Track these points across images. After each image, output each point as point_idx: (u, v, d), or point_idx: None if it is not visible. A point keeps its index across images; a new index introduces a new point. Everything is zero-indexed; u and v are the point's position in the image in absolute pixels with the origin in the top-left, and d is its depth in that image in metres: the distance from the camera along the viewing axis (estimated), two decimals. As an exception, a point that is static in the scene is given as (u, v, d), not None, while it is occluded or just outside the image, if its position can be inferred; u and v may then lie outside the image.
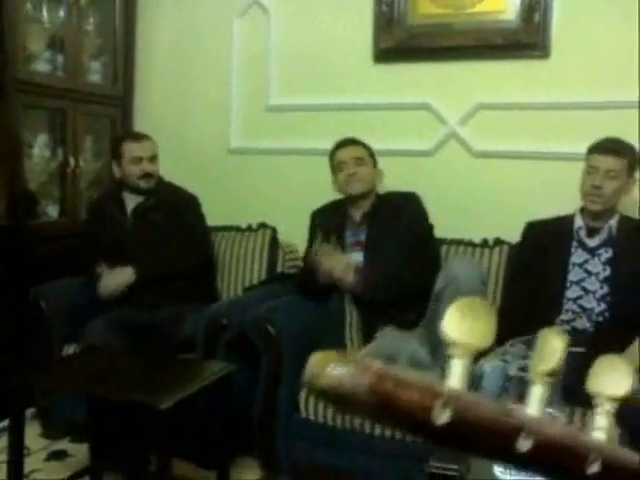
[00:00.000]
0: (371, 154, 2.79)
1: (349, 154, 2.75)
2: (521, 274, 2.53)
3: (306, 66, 3.23)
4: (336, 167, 2.77)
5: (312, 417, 2.46)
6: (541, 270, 2.45)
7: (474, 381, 2.09)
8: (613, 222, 2.46)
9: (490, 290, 2.68)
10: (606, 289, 2.39)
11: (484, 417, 0.42)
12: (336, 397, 0.41)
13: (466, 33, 2.95)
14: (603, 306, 2.38)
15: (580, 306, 2.40)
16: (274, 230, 3.17)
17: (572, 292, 2.41)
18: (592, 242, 2.45)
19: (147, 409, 1.95)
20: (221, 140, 3.41)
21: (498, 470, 1.56)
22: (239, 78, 3.36)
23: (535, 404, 0.45)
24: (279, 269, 3.11)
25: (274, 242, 3.16)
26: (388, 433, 2.35)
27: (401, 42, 3.04)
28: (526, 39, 2.86)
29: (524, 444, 0.41)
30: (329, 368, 0.41)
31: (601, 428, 0.46)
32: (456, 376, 0.44)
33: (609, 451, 0.44)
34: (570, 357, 0.50)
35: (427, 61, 3.03)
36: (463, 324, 0.44)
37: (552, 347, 0.46)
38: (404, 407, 0.40)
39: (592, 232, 2.46)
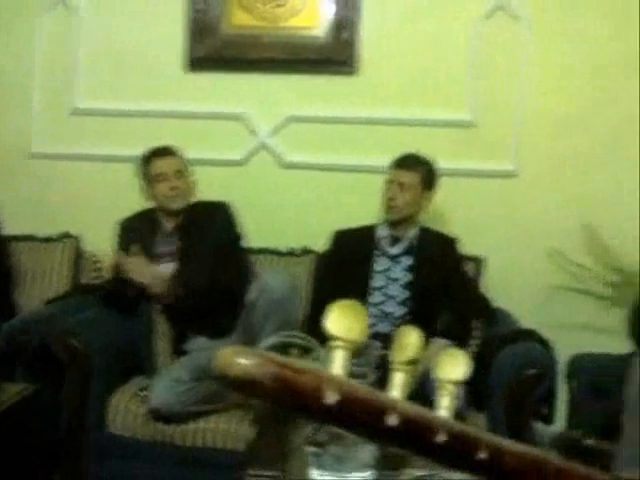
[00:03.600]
0: (187, 165, 2.76)
1: (170, 166, 2.68)
2: (328, 281, 2.63)
3: (116, 70, 3.13)
4: (153, 177, 2.69)
5: (121, 432, 2.38)
6: (346, 277, 2.56)
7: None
8: (413, 232, 2.64)
9: (299, 298, 2.76)
10: (407, 294, 2.56)
11: (361, 398, 0.50)
12: (245, 385, 0.48)
13: (279, 46, 3.02)
14: (404, 310, 2.54)
15: (382, 311, 2.55)
16: (77, 240, 3.03)
17: (374, 298, 2.56)
18: (394, 250, 2.61)
19: None
20: (22, 144, 3.20)
21: (315, 472, 1.60)
22: (43, 79, 3.18)
23: (398, 388, 0.54)
24: (83, 280, 2.98)
25: (78, 252, 3.02)
26: (200, 443, 2.34)
27: (214, 51, 3.04)
28: (335, 55, 2.99)
29: (392, 420, 0.49)
30: (238, 360, 0.47)
31: (445, 407, 0.55)
32: (339, 365, 0.51)
33: (454, 425, 0.53)
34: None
35: (240, 72, 3.06)
36: (342, 321, 0.53)
37: (409, 340, 0.55)
38: (302, 391, 0.48)
39: (394, 241, 2.62)
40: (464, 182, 2.97)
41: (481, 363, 2.47)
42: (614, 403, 1.95)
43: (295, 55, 3.01)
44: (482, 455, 0.54)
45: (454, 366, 0.57)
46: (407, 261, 2.60)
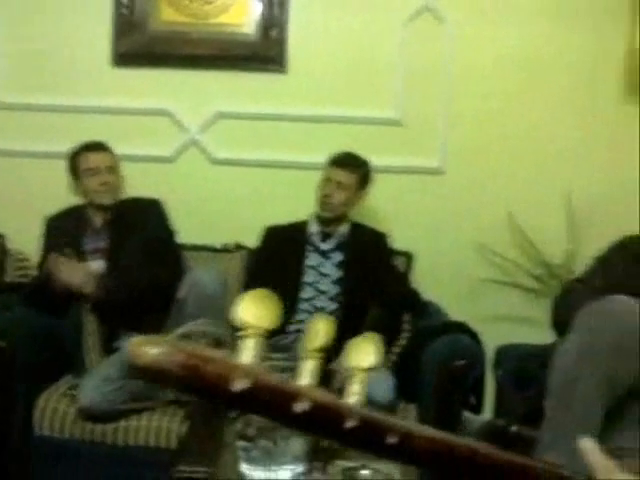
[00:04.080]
0: (117, 161, 2.72)
1: (103, 161, 2.65)
2: (259, 277, 2.64)
3: (42, 65, 3.05)
4: (84, 172, 2.64)
5: (50, 433, 2.33)
6: (278, 273, 2.58)
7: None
8: (345, 228, 2.67)
9: (231, 294, 2.75)
10: (338, 289, 2.59)
11: (272, 386, 0.51)
12: (154, 374, 0.48)
13: (208, 43, 3.00)
14: (335, 305, 2.57)
15: (314, 306, 2.57)
16: (2, 237, 2.95)
17: (306, 293, 2.58)
18: (325, 246, 2.64)
19: None
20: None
21: (245, 467, 1.61)
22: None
23: (308, 375, 0.55)
24: (8, 279, 2.90)
25: (3, 250, 2.93)
26: (132, 441, 2.32)
27: (142, 47, 3.00)
28: (264, 53, 2.99)
29: (300, 406, 0.51)
30: (147, 349, 0.47)
31: (356, 393, 0.57)
32: (249, 352, 0.52)
33: (363, 411, 0.54)
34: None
35: (169, 68, 3.03)
36: (253, 310, 0.53)
37: (318, 328, 0.57)
38: (209, 378, 0.49)
39: (325, 237, 2.65)
40: (393, 178, 3.01)
41: (411, 355, 2.53)
42: (538, 391, 2.02)
43: (224, 52, 3.00)
44: (392, 440, 0.55)
45: (364, 354, 0.58)
46: (338, 257, 2.63)
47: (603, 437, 1.84)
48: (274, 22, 2.97)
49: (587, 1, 3.03)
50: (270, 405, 0.52)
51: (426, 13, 3.01)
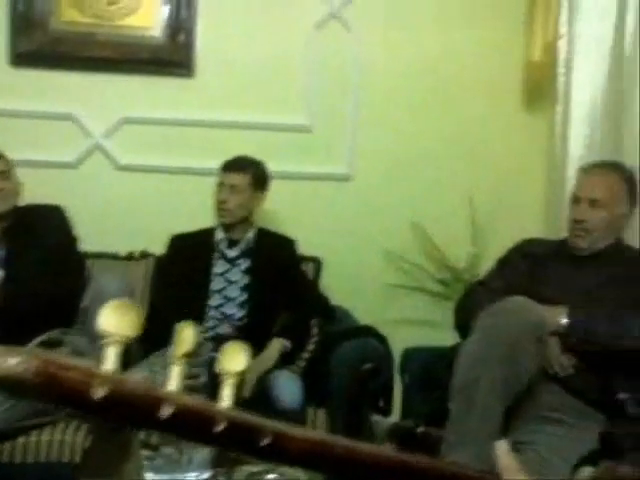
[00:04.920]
0: (12, 166, 2.62)
1: None
2: (166, 285, 2.60)
3: None
4: None
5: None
6: (185, 281, 2.54)
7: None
8: (251, 234, 2.66)
9: (138, 302, 2.69)
10: (245, 296, 2.57)
11: (134, 392, 0.51)
12: (10, 384, 0.48)
13: (112, 45, 2.93)
14: (243, 312, 2.56)
15: (222, 313, 2.54)
16: None
17: (214, 300, 2.55)
18: (232, 253, 2.62)
19: None
20: None
21: (149, 475, 1.57)
22: None
23: (175, 380, 0.56)
24: None
25: None
26: (32, 458, 2.23)
27: (42, 47, 2.90)
28: (171, 57, 2.95)
29: (165, 411, 0.51)
30: (4, 359, 0.47)
31: (227, 396, 0.58)
32: (110, 360, 0.52)
33: (234, 414, 0.56)
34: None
35: (72, 70, 2.94)
36: (114, 319, 0.54)
37: (184, 335, 0.58)
38: (67, 386, 0.48)
39: (232, 244, 2.63)
40: (301, 185, 3.03)
41: (320, 360, 2.54)
42: (443, 392, 2.06)
43: (130, 55, 2.94)
44: (266, 441, 0.56)
45: (235, 358, 0.60)
46: (245, 263, 2.62)
47: (502, 433, 1.90)
48: (181, 26, 2.93)
49: (489, 14, 3.14)
50: (133, 412, 0.52)
51: (333, 20, 3.04)
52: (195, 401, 0.54)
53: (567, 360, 2.10)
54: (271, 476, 1.57)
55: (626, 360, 2.07)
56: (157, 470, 1.53)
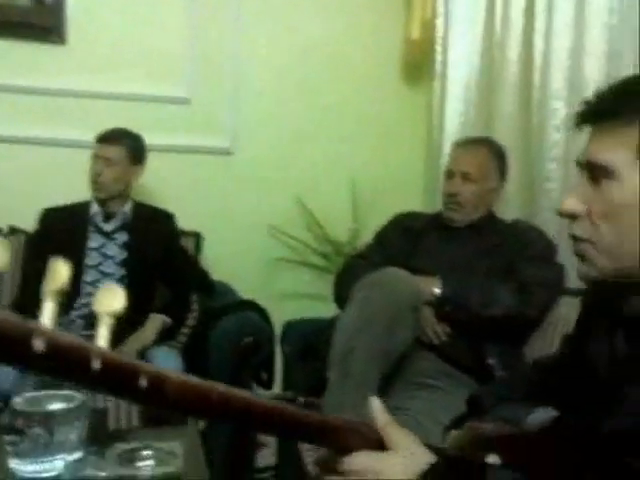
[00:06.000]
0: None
1: None
2: (37, 259, 2.48)
3: None
4: None
5: None
6: (58, 256, 2.43)
7: None
8: (127, 208, 2.58)
9: (8, 280, 2.57)
10: (123, 271, 2.50)
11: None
12: None
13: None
14: (121, 287, 2.48)
15: (98, 288, 2.45)
16: None
17: (90, 276, 2.47)
18: (108, 227, 2.54)
19: None
20: None
21: (14, 462, 1.50)
22: None
23: (47, 316, 0.57)
24: None
25: None
26: None
27: None
28: (39, 21, 2.79)
29: (37, 345, 0.53)
30: None
31: (103, 337, 0.60)
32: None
33: (110, 353, 0.58)
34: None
35: None
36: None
37: (57, 272, 0.60)
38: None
39: (108, 217, 2.55)
40: (181, 158, 2.97)
41: (200, 335, 2.52)
42: (322, 363, 2.09)
43: (-5, 18, 2.76)
44: (142, 383, 0.58)
45: (111, 299, 0.62)
46: (122, 237, 2.54)
47: (380, 399, 1.95)
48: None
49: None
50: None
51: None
52: (70, 338, 0.54)
53: (441, 328, 2.18)
54: (147, 452, 1.54)
55: (495, 327, 2.17)
56: (22, 455, 1.46)
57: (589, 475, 0.99)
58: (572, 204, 0.97)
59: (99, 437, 1.55)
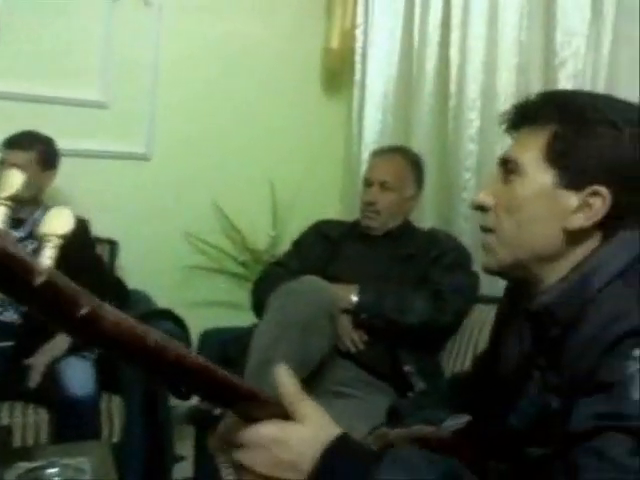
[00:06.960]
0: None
1: None
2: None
3: None
4: None
5: None
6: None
7: None
8: (39, 214, 2.49)
9: None
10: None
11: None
12: None
13: None
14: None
15: (3, 299, 2.37)
16: None
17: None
18: (18, 233, 2.44)
19: None
20: None
21: None
22: None
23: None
24: None
25: None
26: None
27: None
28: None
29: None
30: None
31: (49, 257, 0.59)
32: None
33: (54, 273, 0.57)
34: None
35: None
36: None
37: (11, 179, 0.60)
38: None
39: (18, 224, 2.45)
40: (95, 163, 2.88)
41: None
42: (239, 372, 2.07)
43: None
44: (83, 311, 0.58)
45: (59, 221, 0.61)
46: (32, 245, 2.45)
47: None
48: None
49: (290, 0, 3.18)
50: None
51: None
52: (17, 249, 0.54)
53: (358, 336, 2.19)
54: (53, 469, 1.49)
55: (411, 334, 2.19)
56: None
57: (492, 465, 1.02)
58: (482, 197, 1.05)
59: (3, 456, 1.48)
